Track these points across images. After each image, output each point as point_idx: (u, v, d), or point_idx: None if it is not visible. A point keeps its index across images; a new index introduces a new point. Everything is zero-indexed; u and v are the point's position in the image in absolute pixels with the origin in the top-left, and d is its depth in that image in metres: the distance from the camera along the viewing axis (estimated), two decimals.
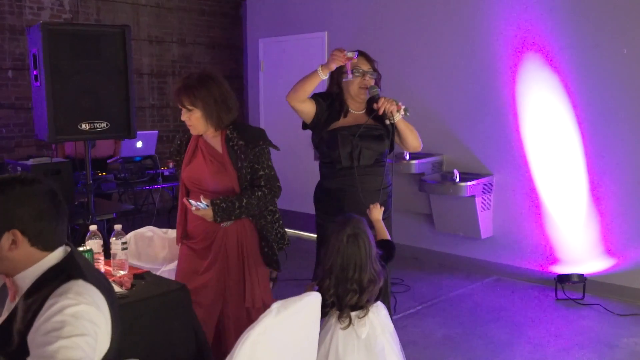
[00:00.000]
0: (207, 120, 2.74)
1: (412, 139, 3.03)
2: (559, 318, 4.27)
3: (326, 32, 6.37)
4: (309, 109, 3.10)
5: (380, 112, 2.96)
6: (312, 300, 2.16)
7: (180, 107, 2.76)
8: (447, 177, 5.24)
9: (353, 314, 2.37)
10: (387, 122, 2.98)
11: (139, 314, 2.30)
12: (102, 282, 1.70)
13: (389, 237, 2.80)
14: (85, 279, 1.62)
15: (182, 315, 2.45)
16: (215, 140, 2.82)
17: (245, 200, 2.69)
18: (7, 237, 1.61)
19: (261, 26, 7.11)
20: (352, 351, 2.35)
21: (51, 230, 1.66)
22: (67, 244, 1.74)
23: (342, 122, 3.09)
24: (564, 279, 4.65)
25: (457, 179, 5.01)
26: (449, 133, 5.48)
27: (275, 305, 1.98)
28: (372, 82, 3.07)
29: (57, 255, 1.68)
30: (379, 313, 2.43)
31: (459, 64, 5.37)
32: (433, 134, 5.50)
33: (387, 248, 2.65)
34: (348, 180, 3.06)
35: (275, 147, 2.84)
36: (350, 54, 2.95)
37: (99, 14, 7.29)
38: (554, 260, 4.94)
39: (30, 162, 4.81)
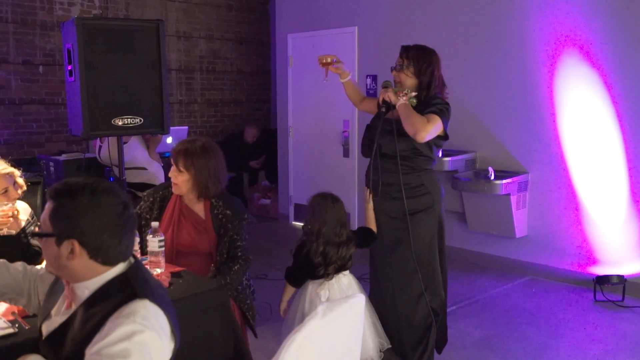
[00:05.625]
0: (193, 186, 2.84)
1: (405, 124, 2.97)
2: (599, 320, 4.14)
3: (356, 27, 6.27)
4: (367, 108, 3.44)
5: (380, 100, 3.11)
6: (357, 302, 2.10)
7: (173, 164, 2.86)
8: (481, 174, 5.12)
9: (318, 281, 2.86)
10: (382, 108, 3.09)
11: (178, 314, 2.23)
12: (165, 299, 1.64)
13: (370, 227, 3.10)
14: (152, 298, 1.55)
15: (222, 315, 2.40)
16: (198, 206, 2.91)
17: (229, 278, 2.77)
18: (66, 246, 1.55)
19: (290, 21, 7.03)
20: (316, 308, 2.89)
21: (112, 246, 1.57)
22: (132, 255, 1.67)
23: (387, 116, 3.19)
24: (603, 280, 4.52)
25: (492, 177, 4.90)
26: (482, 130, 5.36)
27: (321, 308, 1.92)
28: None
29: (119, 267, 1.61)
30: (340, 280, 2.88)
31: (494, 59, 5.25)
32: (466, 130, 5.39)
33: (364, 235, 3.05)
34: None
35: (255, 222, 3.00)
36: (328, 59, 3.25)
37: (128, 9, 7.30)
38: (592, 261, 4.81)
39: (63, 157, 4.84)
